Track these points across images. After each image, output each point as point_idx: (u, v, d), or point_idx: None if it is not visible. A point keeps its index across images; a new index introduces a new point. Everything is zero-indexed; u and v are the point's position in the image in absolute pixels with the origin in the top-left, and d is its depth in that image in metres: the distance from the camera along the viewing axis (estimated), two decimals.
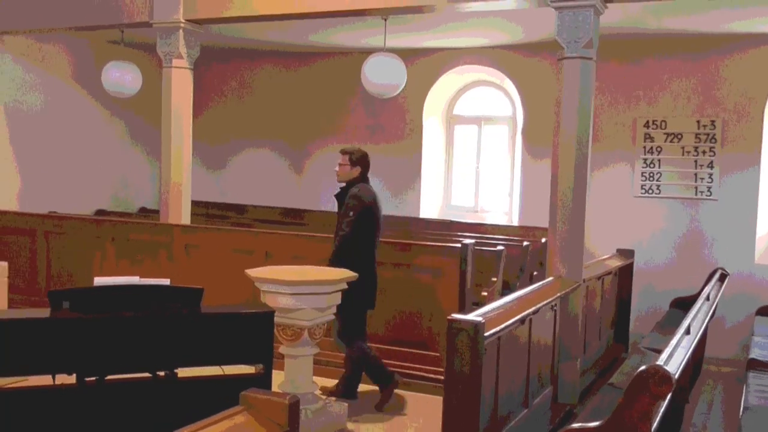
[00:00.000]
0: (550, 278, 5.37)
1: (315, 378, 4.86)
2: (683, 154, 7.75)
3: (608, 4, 5.43)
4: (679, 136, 7.77)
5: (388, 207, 9.03)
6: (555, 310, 5.04)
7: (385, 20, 6.51)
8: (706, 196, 7.64)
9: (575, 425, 3.09)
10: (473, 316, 3.68)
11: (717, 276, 6.28)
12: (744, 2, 6.04)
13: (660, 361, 3.10)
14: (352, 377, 5.46)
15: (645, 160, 7.91)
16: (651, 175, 7.88)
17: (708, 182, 7.63)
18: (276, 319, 4.22)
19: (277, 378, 4.25)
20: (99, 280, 3.91)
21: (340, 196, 5.42)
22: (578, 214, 5.39)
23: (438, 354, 5.79)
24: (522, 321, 4.23)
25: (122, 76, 7.78)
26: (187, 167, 7.24)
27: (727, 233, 7.54)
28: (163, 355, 3.76)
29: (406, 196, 9.19)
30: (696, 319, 4.54)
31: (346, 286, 4.73)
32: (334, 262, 5.17)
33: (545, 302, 4.70)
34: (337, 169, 5.45)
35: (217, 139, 10.26)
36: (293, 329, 4.58)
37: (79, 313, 3.66)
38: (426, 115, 9.15)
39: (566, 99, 5.36)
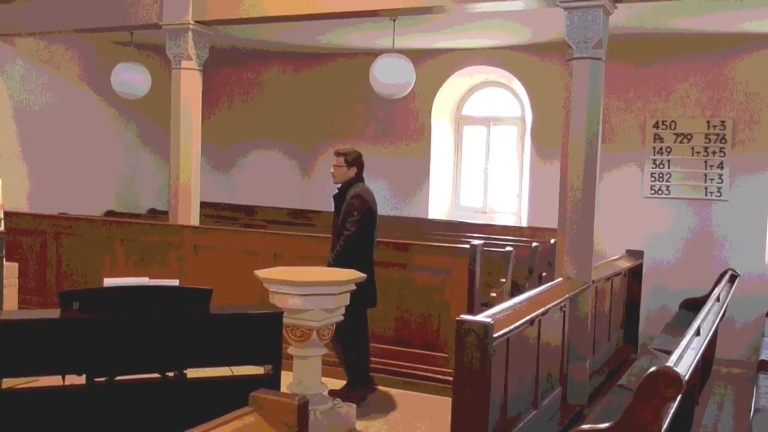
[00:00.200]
0: (560, 279, 5.36)
1: (323, 379, 4.87)
2: (693, 155, 7.71)
3: (618, 5, 5.41)
4: (689, 137, 7.73)
5: (397, 208, 9.12)
6: (564, 311, 5.02)
7: (394, 21, 6.52)
8: (716, 197, 7.60)
9: (585, 426, 3.08)
10: (482, 317, 3.68)
11: (727, 277, 6.25)
12: (754, 2, 6.00)
13: (670, 363, 3.09)
14: (355, 364, 5.48)
15: (655, 160, 7.88)
16: (661, 175, 7.85)
17: (718, 183, 7.59)
18: (285, 320, 4.22)
19: (286, 379, 4.26)
20: (109, 281, 3.92)
21: (338, 198, 5.46)
22: (587, 214, 5.37)
23: (446, 355, 5.79)
24: (531, 322, 4.22)
25: (131, 78, 7.78)
26: (196, 168, 7.26)
27: (737, 234, 7.50)
28: (172, 355, 3.77)
29: (415, 197, 9.19)
30: (706, 320, 4.52)
31: (354, 287, 4.75)
32: (337, 261, 5.21)
33: (554, 303, 4.68)
34: (332, 170, 5.50)
35: (227, 141, 10.29)
36: (302, 330, 4.59)
37: (89, 314, 3.68)
38: (435, 116, 9.14)
39: (575, 100, 5.34)
